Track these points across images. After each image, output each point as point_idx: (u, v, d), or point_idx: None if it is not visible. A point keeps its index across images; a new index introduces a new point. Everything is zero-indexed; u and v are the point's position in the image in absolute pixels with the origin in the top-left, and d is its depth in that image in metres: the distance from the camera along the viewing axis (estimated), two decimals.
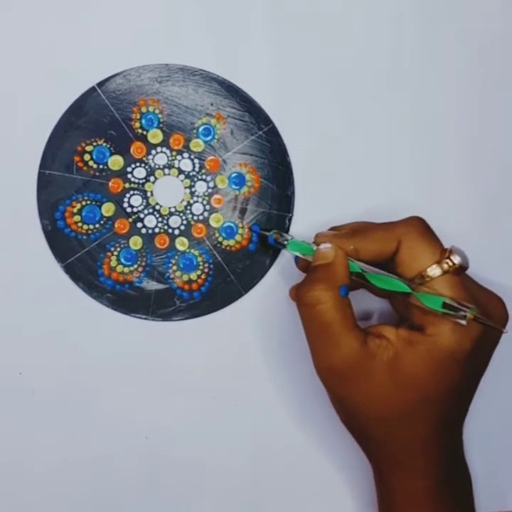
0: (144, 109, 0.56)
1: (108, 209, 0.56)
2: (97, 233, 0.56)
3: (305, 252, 0.52)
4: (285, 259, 0.57)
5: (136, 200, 0.56)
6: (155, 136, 0.56)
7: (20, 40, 0.56)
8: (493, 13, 0.59)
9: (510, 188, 0.59)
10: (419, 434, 0.49)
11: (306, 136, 0.58)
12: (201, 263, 0.57)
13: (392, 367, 0.48)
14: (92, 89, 0.56)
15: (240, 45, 0.57)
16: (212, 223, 0.57)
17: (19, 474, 0.57)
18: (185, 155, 0.57)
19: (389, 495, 0.52)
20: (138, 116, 0.56)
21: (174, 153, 0.57)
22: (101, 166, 0.56)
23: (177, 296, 0.57)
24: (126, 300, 0.56)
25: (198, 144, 0.57)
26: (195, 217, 0.57)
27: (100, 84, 0.56)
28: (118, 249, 0.56)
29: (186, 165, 0.57)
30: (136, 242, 0.56)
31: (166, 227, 0.57)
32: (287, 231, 0.57)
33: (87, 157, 0.56)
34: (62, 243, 0.56)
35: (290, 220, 0.57)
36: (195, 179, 0.57)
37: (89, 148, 0.56)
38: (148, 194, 0.56)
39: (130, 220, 0.56)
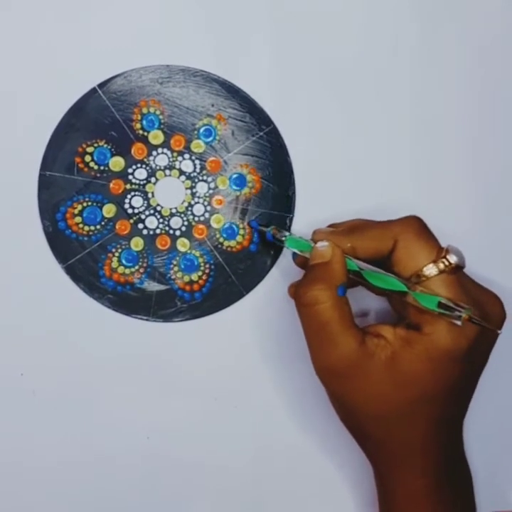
0: (144, 110, 0.56)
1: (109, 210, 0.56)
2: (98, 234, 0.56)
3: (303, 249, 0.52)
4: (286, 260, 0.57)
5: (137, 201, 0.56)
6: (156, 137, 0.56)
7: (21, 41, 0.56)
8: (493, 13, 0.59)
9: (510, 188, 0.59)
10: (418, 432, 0.50)
11: (307, 137, 0.58)
12: (202, 264, 0.57)
13: (390, 366, 0.48)
14: (93, 91, 0.56)
15: (241, 45, 0.57)
16: (213, 224, 0.57)
17: (20, 474, 0.57)
18: (186, 156, 0.57)
19: (389, 494, 0.52)
20: (139, 118, 0.56)
21: (175, 154, 0.57)
22: (102, 167, 0.56)
23: (178, 297, 0.57)
24: (127, 301, 0.56)
25: (198, 145, 0.57)
26: (196, 218, 0.57)
27: (101, 85, 0.56)
28: (119, 250, 0.56)
29: (187, 166, 0.57)
30: (137, 243, 0.56)
31: (167, 228, 0.57)
32: (288, 231, 0.57)
33: (88, 158, 0.56)
34: (63, 244, 0.56)
35: (291, 220, 0.57)
36: (196, 180, 0.57)
37: (90, 149, 0.56)
38: (150, 195, 0.56)
39: (131, 221, 0.56)
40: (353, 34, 0.58)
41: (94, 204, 0.56)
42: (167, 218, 0.57)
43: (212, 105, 0.57)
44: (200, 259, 0.57)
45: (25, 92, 0.56)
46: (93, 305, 0.56)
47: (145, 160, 0.56)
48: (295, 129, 0.57)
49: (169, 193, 0.57)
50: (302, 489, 0.58)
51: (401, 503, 0.51)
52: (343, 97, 0.58)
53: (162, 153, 0.56)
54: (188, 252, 0.57)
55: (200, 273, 0.57)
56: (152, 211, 0.56)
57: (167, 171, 0.57)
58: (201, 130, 0.57)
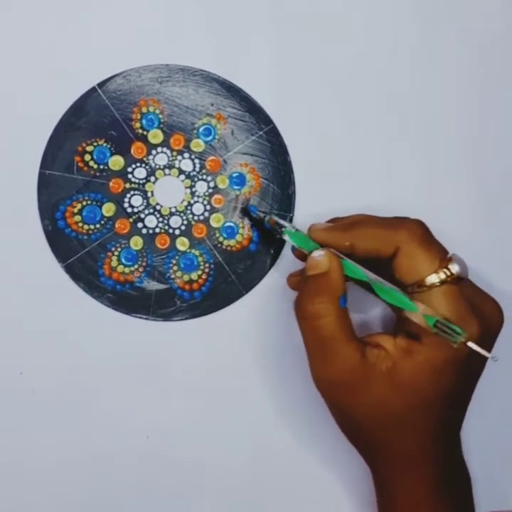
0: (144, 110, 0.56)
1: (109, 209, 0.56)
2: (97, 233, 0.56)
3: (300, 244, 0.51)
4: (286, 259, 0.57)
5: (137, 201, 0.56)
6: (155, 136, 0.56)
7: (21, 40, 0.56)
8: (493, 13, 0.59)
9: (510, 188, 0.59)
10: (417, 439, 0.50)
11: (307, 136, 0.58)
12: (202, 263, 0.57)
13: (391, 376, 0.48)
14: (93, 90, 0.56)
15: (240, 45, 0.57)
16: (213, 223, 0.57)
17: (19, 474, 0.57)
18: (186, 155, 0.57)
19: (388, 498, 0.52)
20: (138, 117, 0.56)
21: (175, 153, 0.57)
22: (101, 166, 0.56)
23: (178, 296, 0.57)
24: (127, 300, 0.56)
25: (198, 144, 0.57)
26: (196, 217, 0.57)
27: (101, 84, 0.56)
28: (119, 249, 0.56)
29: (187, 165, 0.57)
30: (136, 242, 0.56)
31: (166, 227, 0.57)
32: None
33: (87, 157, 0.56)
34: (62, 243, 0.56)
35: (291, 219, 0.57)
36: (196, 179, 0.57)
37: (89, 148, 0.56)
38: (149, 194, 0.57)
39: (131, 220, 0.56)
40: (353, 34, 0.58)
41: (94, 203, 0.56)
42: (166, 217, 0.57)
43: (212, 104, 0.57)
44: (200, 259, 0.57)
45: (25, 92, 0.56)
46: (93, 304, 0.56)
47: (144, 159, 0.56)
48: (295, 129, 0.57)
49: (169, 192, 0.57)
50: (301, 489, 0.58)
51: (400, 505, 0.51)
52: (343, 96, 0.58)
53: (162, 152, 0.57)
54: (188, 251, 0.57)
55: (199, 272, 0.57)
56: (152, 210, 0.56)
57: (166, 170, 0.57)
58: (201, 129, 0.57)
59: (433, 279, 0.47)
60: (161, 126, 0.56)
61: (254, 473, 0.58)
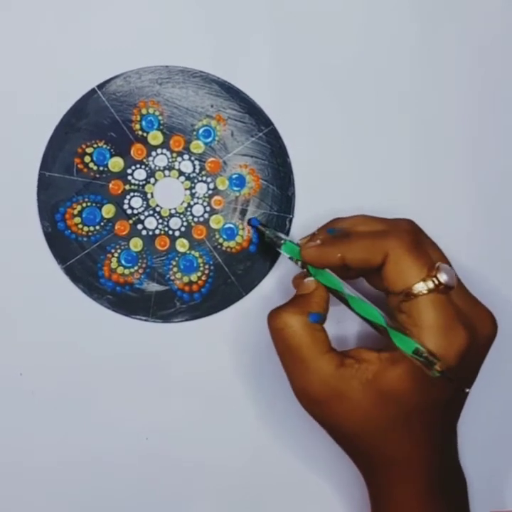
0: (144, 111, 0.56)
1: (108, 211, 0.56)
2: (97, 235, 0.56)
3: (298, 258, 0.52)
4: (286, 261, 0.57)
5: (137, 202, 0.56)
6: (155, 137, 0.56)
7: (21, 41, 0.56)
8: (493, 13, 0.59)
9: (510, 188, 0.59)
10: (403, 447, 0.50)
11: (306, 137, 0.58)
12: (201, 264, 0.57)
13: (371, 387, 0.48)
14: (93, 91, 0.56)
15: (240, 46, 0.57)
16: (213, 225, 0.57)
17: (19, 474, 0.57)
18: (186, 156, 0.57)
19: (380, 503, 0.52)
20: (138, 118, 0.56)
21: (174, 154, 0.57)
22: (101, 168, 0.56)
23: (177, 298, 0.57)
24: (127, 302, 0.56)
25: (198, 146, 0.57)
26: (196, 219, 0.57)
27: (100, 86, 0.56)
28: (118, 250, 0.56)
29: (186, 166, 0.57)
30: (136, 244, 0.56)
31: (166, 228, 0.57)
32: (288, 232, 0.57)
33: (87, 159, 0.56)
34: (62, 245, 0.56)
35: (291, 221, 0.57)
36: (196, 181, 0.57)
37: (89, 150, 0.56)
38: (149, 196, 0.56)
39: (130, 221, 0.56)
40: (353, 34, 0.58)
41: (94, 205, 0.56)
42: (166, 219, 0.57)
43: (212, 106, 0.57)
44: (200, 260, 0.57)
45: (25, 93, 0.56)
46: (92, 305, 0.56)
47: (144, 160, 0.56)
48: (294, 130, 0.57)
49: (168, 193, 0.57)
50: (300, 489, 0.58)
51: (392, 508, 0.51)
52: (343, 97, 0.58)
53: (161, 153, 0.56)
54: (188, 252, 0.57)
55: (199, 274, 0.57)
56: (151, 212, 0.56)
57: (166, 172, 0.57)
58: (200, 131, 0.57)
59: (420, 287, 0.47)
60: (161, 127, 0.56)
61: (254, 473, 0.58)
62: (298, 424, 0.57)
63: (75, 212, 0.56)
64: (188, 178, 0.57)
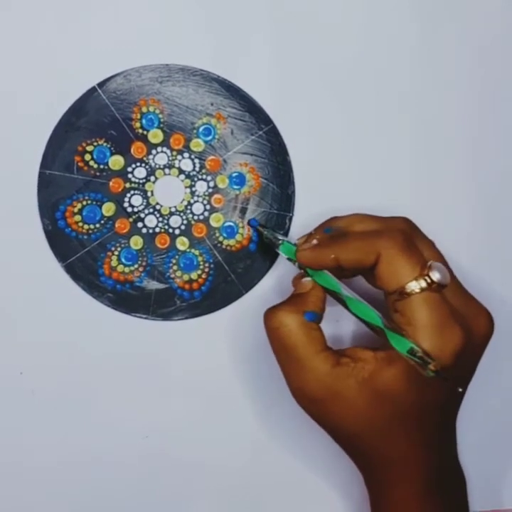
0: (144, 109, 0.56)
1: (108, 209, 0.56)
2: (97, 233, 0.56)
3: (295, 259, 0.52)
4: (286, 259, 0.57)
5: (137, 200, 0.56)
6: (155, 136, 0.56)
7: (20, 40, 0.56)
8: (493, 13, 0.59)
9: (510, 188, 0.59)
10: (400, 445, 0.50)
11: (306, 136, 0.58)
12: (202, 263, 0.57)
13: (366, 386, 0.48)
14: (93, 90, 0.56)
15: (240, 45, 0.57)
16: (213, 223, 0.57)
17: (19, 474, 0.57)
18: (186, 155, 0.57)
19: (379, 499, 0.52)
20: (138, 116, 0.56)
21: (174, 153, 0.57)
22: (101, 166, 0.56)
23: (177, 296, 0.57)
24: (127, 300, 0.56)
25: (198, 144, 0.57)
26: (196, 217, 0.57)
27: (101, 84, 0.56)
28: (118, 248, 0.56)
29: (187, 165, 0.57)
30: (136, 242, 0.56)
31: (166, 226, 0.57)
32: (288, 231, 0.57)
33: (87, 157, 0.56)
34: (62, 243, 0.56)
35: (290, 219, 0.57)
36: (196, 179, 0.57)
37: (89, 148, 0.56)
38: (149, 194, 0.57)
39: (131, 219, 0.56)
40: (353, 34, 0.58)
41: (94, 203, 0.56)
42: (166, 217, 0.57)
43: (212, 104, 0.57)
44: (200, 258, 0.57)
45: (25, 91, 0.56)
46: (92, 303, 0.56)
47: (144, 159, 0.56)
48: (295, 128, 0.57)
49: (168, 191, 0.57)
50: (301, 489, 0.58)
51: (392, 507, 0.51)
52: (343, 96, 0.58)
53: (161, 152, 0.57)
54: (188, 250, 0.57)
55: (199, 272, 0.57)
56: (151, 210, 0.57)
57: (166, 170, 0.57)
58: (201, 129, 0.57)
59: (413, 286, 0.47)
60: (161, 125, 0.56)
61: (254, 473, 0.58)
62: (298, 423, 0.57)
63: (76, 210, 0.56)
64: (188, 176, 0.57)
